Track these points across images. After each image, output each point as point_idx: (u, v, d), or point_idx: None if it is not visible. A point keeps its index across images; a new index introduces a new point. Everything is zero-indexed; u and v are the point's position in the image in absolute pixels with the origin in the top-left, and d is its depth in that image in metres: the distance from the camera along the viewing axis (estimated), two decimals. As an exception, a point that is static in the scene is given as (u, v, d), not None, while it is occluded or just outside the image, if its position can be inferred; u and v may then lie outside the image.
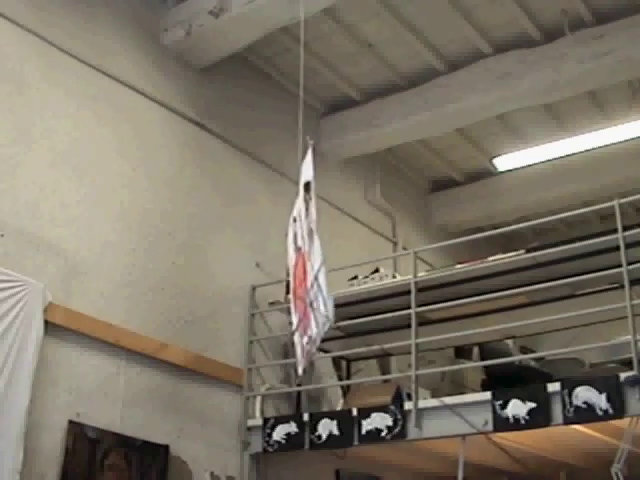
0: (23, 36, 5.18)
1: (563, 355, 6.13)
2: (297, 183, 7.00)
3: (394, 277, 6.32)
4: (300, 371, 4.16)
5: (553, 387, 4.73)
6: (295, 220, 4.36)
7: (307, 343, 4.08)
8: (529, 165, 8.37)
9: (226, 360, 5.95)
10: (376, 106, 7.36)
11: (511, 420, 4.81)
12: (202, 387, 5.75)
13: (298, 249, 4.29)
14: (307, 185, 4.42)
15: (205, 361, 5.77)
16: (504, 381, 5.67)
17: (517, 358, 6.46)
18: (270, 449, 5.66)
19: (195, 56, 6.26)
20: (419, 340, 5.42)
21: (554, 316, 5.23)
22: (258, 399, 6.08)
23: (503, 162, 8.47)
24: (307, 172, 4.46)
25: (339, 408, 6.23)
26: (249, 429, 5.89)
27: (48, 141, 5.18)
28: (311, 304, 4.05)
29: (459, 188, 8.99)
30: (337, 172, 7.78)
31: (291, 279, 4.29)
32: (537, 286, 5.33)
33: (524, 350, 7.40)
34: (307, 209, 4.31)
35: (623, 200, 5.10)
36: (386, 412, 5.27)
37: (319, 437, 5.46)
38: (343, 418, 5.44)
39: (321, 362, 6.68)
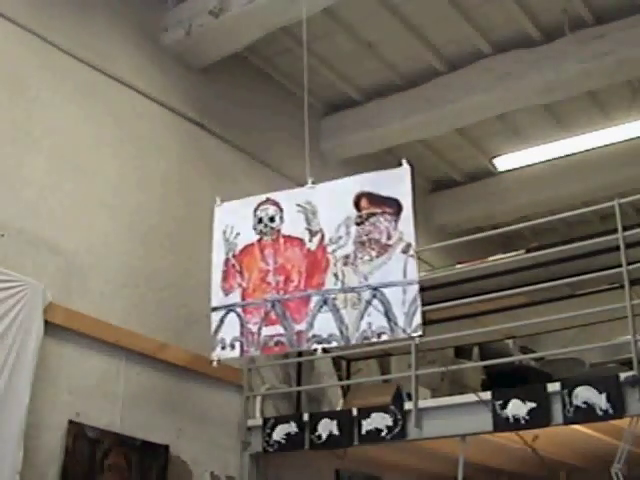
0: (23, 36, 5.17)
1: (563, 355, 6.14)
2: (297, 182, 7.04)
3: (394, 277, 6.30)
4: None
5: (553, 387, 4.73)
6: (305, 209, 4.43)
7: (275, 335, 4.33)
8: (529, 165, 8.36)
9: (226, 360, 5.93)
10: (376, 106, 7.36)
11: (511, 420, 4.80)
12: (202, 387, 5.74)
13: (314, 236, 4.39)
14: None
15: (205, 361, 5.73)
16: (504, 381, 5.66)
17: (517, 358, 6.46)
18: (270, 449, 5.66)
19: (195, 56, 6.26)
20: (419, 340, 5.41)
21: (554, 316, 5.23)
22: (258, 399, 6.08)
23: (503, 162, 8.46)
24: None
25: (339, 408, 6.23)
26: (249, 429, 5.88)
27: (48, 141, 5.18)
28: (325, 302, 4.25)
29: (459, 188, 8.99)
30: (337, 172, 7.76)
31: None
32: (537, 286, 5.32)
33: (524, 350, 7.40)
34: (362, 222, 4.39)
35: (623, 200, 5.10)
36: (386, 412, 5.27)
37: (319, 437, 5.45)
38: (343, 418, 5.44)
39: (321, 362, 6.68)
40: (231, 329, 4.35)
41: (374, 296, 4.23)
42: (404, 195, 4.40)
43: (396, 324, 4.14)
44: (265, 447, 5.68)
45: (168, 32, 6.15)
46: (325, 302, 4.31)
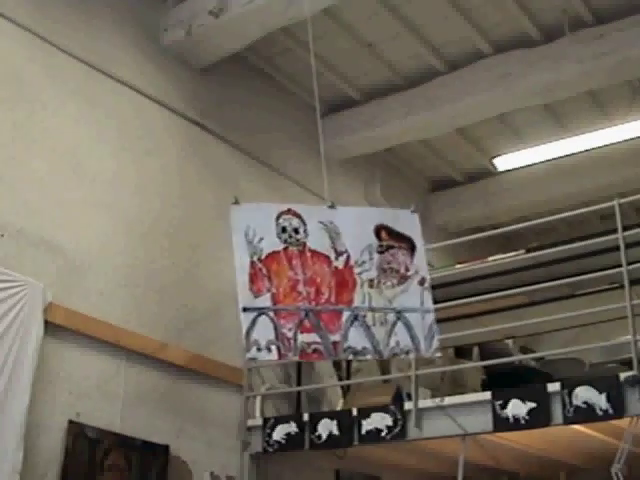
0: (23, 36, 5.17)
1: (563, 355, 6.13)
2: (297, 182, 7.05)
3: (394, 277, 6.30)
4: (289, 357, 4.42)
5: (553, 387, 4.73)
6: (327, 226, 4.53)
7: (312, 342, 4.37)
8: (529, 165, 8.36)
9: (226, 360, 5.95)
10: (376, 106, 7.36)
11: (511, 420, 4.81)
12: (202, 387, 5.75)
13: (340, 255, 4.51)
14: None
15: (205, 361, 5.77)
16: (504, 381, 5.66)
17: (517, 358, 6.46)
18: (270, 449, 5.66)
19: (195, 56, 6.26)
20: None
21: (554, 316, 5.23)
22: (258, 399, 6.08)
23: (503, 162, 8.47)
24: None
25: (339, 408, 6.23)
26: (249, 429, 5.88)
27: (48, 141, 5.18)
28: (356, 317, 4.43)
29: (459, 188, 8.98)
30: (337, 172, 7.78)
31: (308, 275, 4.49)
32: (537, 286, 5.33)
33: (524, 350, 7.40)
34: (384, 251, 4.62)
35: (623, 200, 5.10)
36: (386, 412, 5.27)
37: (319, 437, 5.46)
38: (343, 418, 5.44)
39: (321, 362, 6.68)
40: (265, 332, 4.37)
41: (398, 318, 4.51)
42: (416, 236, 4.69)
43: (419, 345, 4.48)
44: (265, 447, 5.68)
45: (168, 32, 6.14)
46: (356, 318, 4.50)
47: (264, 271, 4.43)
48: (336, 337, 4.43)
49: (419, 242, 4.66)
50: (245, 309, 4.36)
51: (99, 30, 5.72)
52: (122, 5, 5.94)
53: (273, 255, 4.46)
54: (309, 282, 4.48)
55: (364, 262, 4.54)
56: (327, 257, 4.53)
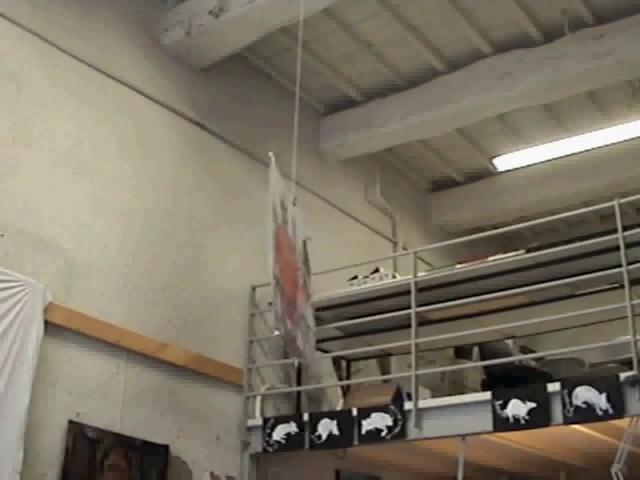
0: (23, 36, 5.18)
1: (563, 355, 6.13)
2: (296, 182, 7.03)
3: (394, 277, 6.32)
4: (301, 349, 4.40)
5: (553, 387, 4.73)
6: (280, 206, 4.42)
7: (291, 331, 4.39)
8: (529, 165, 8.37)
9: (226, 360, 5.95)
10: (376, 106, 7.36)
11: (511, 420, 4.81)
12: (202, 387, 5.75)
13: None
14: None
15: (205, 361, 5.77)
16: (504, 381, 5.67)
17: (517, 358, 6.46)
18: (270, 449, 5.66)
19: (195, 56, 6.26)
20: (419, 340, 5.42)
21: (554, 316, 5.23)
22: (258, 399, 6.08)
23: (503, 162, 8.47)
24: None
25: (339, 408, 6.23)
26: (249, 429, 5.89)
27: (48, 141, 5.18)
28: (301, 318, 4.45)
29: (459, 188, 8.99)
30: (337, 172, 7.79)
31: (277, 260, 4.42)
32: (537, 286, 5.33)
33: (524, 350, 7.40)
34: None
35: (623, 200, 5.10)
36: (386, 412, 5.27)
37: (319, 437, 5.46)
38: (343, 418, 5.44)
39: (321, 362, 6.68)
40: (277, 307, 4.30)
41: (308, 329, 4.58)
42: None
43: (313, 356, 4.67)
44: (265, 447, 5.69)
45: (168, 32, 6.14)
46: (301, 317, 4.51)
47: (276, 244, 4.32)
48: (295, 331, 4.42)
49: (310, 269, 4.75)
50: (275, 278, 4.23)
51: (99, 30, 5.72)
52: (122, 5, 5.95)
53: (278, 229, 4.37)
54: (287, 269, 4.41)
55: (299, 268, 4.55)
56: (293, 250, 4.47)
